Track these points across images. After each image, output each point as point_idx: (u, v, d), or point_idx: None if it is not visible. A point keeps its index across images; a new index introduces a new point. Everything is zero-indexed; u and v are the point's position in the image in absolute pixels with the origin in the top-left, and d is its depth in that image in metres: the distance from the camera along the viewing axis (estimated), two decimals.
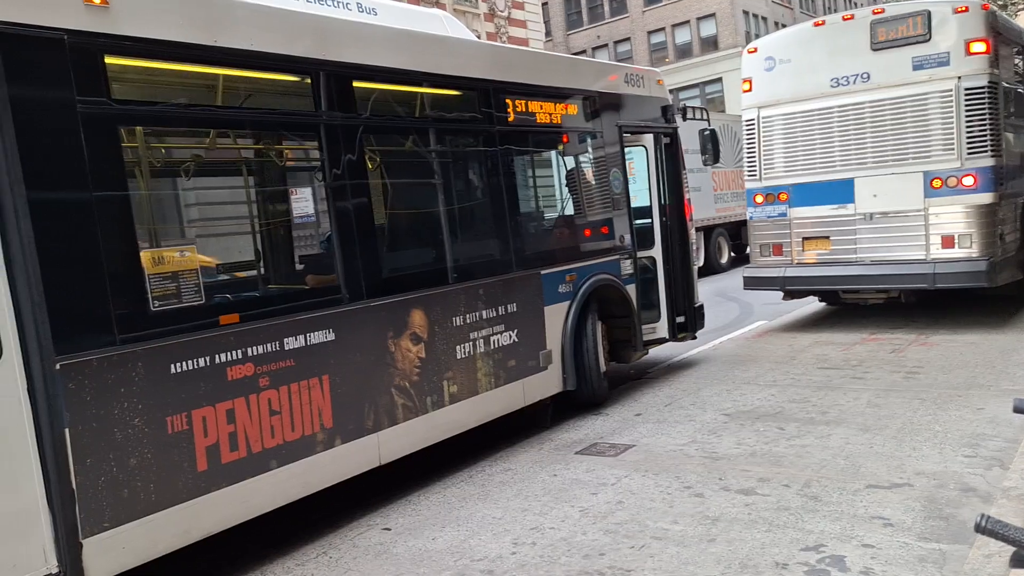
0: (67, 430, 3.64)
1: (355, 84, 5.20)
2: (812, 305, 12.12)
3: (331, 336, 4.88)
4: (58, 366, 3.62)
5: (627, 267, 7.67)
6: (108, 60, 3.93)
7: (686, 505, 4.83)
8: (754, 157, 10.18)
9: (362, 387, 5.07)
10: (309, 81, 4.96)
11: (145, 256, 4.01)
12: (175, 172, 5.09)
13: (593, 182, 7.54)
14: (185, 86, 4.62)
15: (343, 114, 5.09)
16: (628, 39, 42.07)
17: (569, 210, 7.58)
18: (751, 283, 10.37)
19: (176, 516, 4.07)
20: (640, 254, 7.94)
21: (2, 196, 3.51)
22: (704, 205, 18.16)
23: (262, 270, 5.42)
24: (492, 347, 6.10)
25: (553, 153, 7.61)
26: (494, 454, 6.25)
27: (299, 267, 5.76)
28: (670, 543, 4.33)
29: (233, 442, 4.34)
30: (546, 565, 4.21)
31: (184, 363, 4.12)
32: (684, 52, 40.33)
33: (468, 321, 5.90)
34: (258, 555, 4.71)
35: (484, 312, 6.03)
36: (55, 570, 3.62)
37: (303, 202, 5.45)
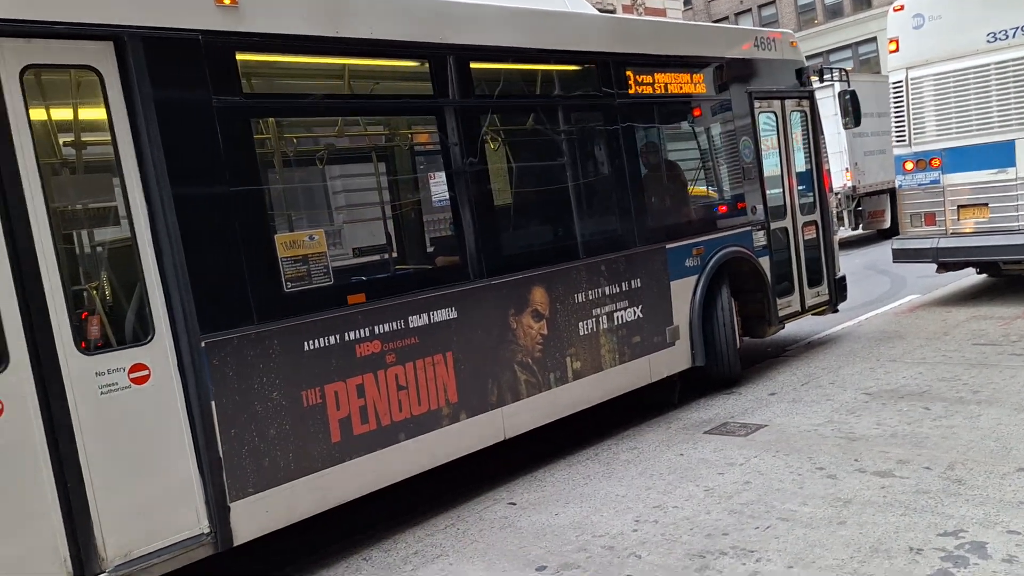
0: (213, 403, 3.96)
1: (473, 66, 5.28)
2: (970, 277, 11.23)
3: (454, 314, 5.02)
4: (203, 344, 3.93)
5: (759, 239, 7.39)
6: (239, 57, 4.19)
7: (816, 487, 4.64)
8: (903, 121, 9.50)
9: (485, 363, 5.19)
10: (428, 65, 5.08)
11: (278, 241, 4.27)
12: (304, 161, 5.37)
13: (722, 152, 7.31)
14: (310, 77, 4.86)
15: (462, 96, 5.19)
16: (773, 2, 40.12)
17: (696, 182, 7.38)
18: (901, 255, 9.72)
19: (313, 484, 4.34)
20: (774, 225, 7.63)
21: (151, 192, 3.83)
22: (888, 168, 17.01)
23: (386, 252, 5.64)
24: (616, 323, 6.06)
25: (679, 124, 7.42)
26: (620, 432, 6.23)
27: (421, 248, 5.94)
28: (797, 524, 4.18)
29: (364, 415, 4.57)
30: (667, 543, 4.18)
31: (316, 341, 4.37)
32: (835, 12, 37.99)
33: (590, 297, 5.89)
34: (389, 525, 4.95)
35: (607, 288, 6.00)
36: (207, 530, 3.96)
37: (426, 185, 5.61)
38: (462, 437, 5.07)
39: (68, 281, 3.62)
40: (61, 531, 3.52)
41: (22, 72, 3.51)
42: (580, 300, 5.82)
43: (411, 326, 4.81)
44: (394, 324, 4.74)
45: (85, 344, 3.66)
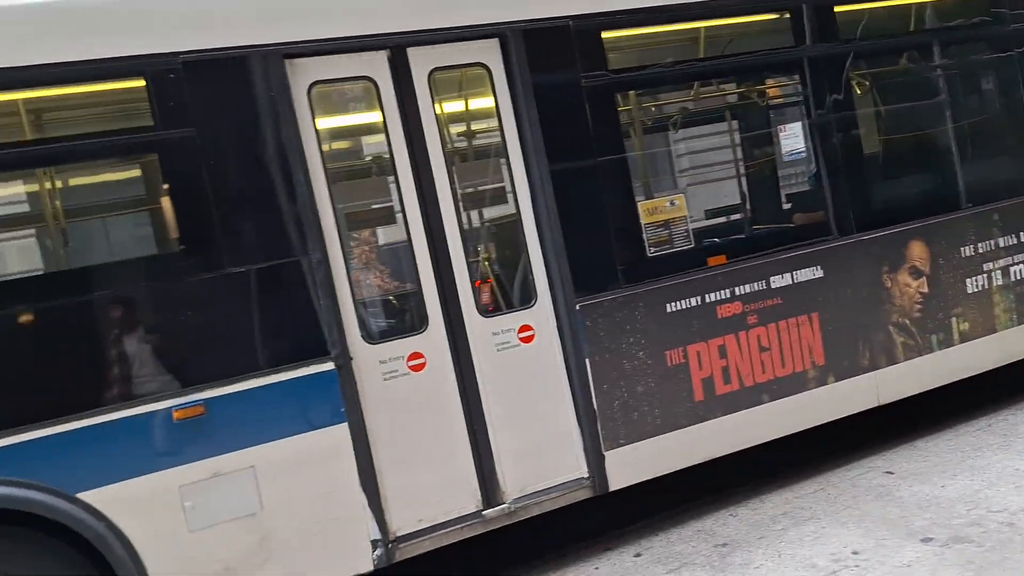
0: (587, 360, 4.33)
1: (837, 9, 4.98)
2: None
3: (819, 273, 4.84)
4: (578, 307, 4.31)
5: None
6: (604, 35, 4.44)
7: None
8: None
9: (855, 325, 4.94)
10: (789, 15, 4.91)
11: (641, 208, 4.50)
12: (660, 127, 5.51)
13: None
14: (665, 45, 4.97)
15: (825, 43, 4.93)
16: None
17: None
18: None
19: (677, 439, 4.54)
20: None
21: (531, 171, 4.27)
22: None
23: (746, 211, 5.59)
24: (1012, 279, 5.36)
25: None
26: (1020, 402, 5.53)
27: (785, 206, 5.78)
28: None
29: (726, 376, 4.65)
30: None
31: (678, 302, 4.54)
32: None
33: (980, 251, 5.27)
34: (755, 485, 4.96)
35: (1000, 240, 5.32)
36: (586, 475, 4.37)
37: (787, 140, 5.43)
38: (830, 401, 4.90)
39: (469, 254, 4.21)
40: (471, 466, 4.16)
41: (429, 75, 4.12)
42: (967, 254, 5.24)
43: (773, 287, 4.75)
44: (755, 285, 4.72)
45: (481, 309, 4.24)
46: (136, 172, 3.99)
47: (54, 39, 3.48)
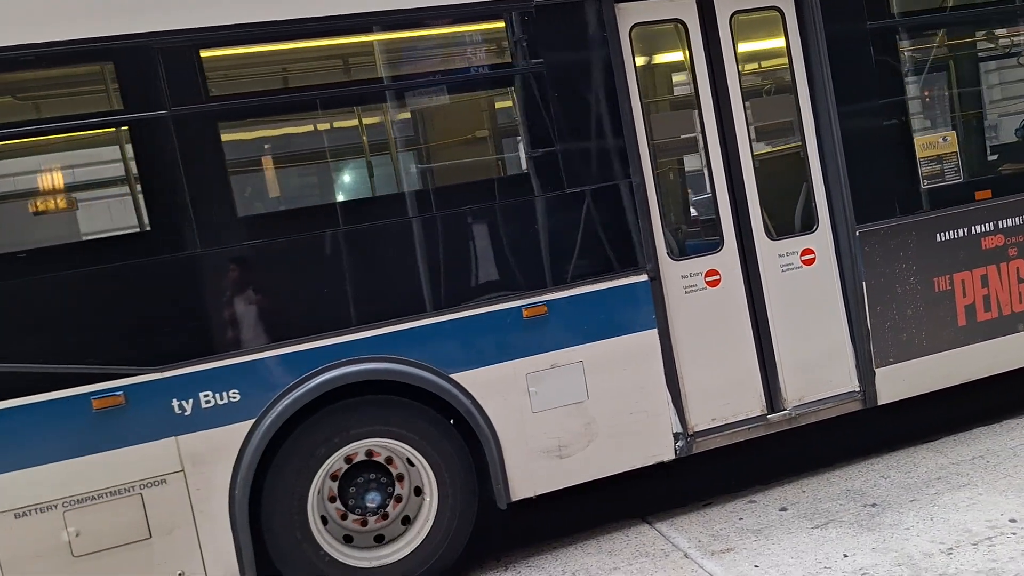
0: (863, 283, 4.70)
1: None
2: None
3: None
4: (857, 233, 4.67)
5: None
6: None
7: None
8: None
9: None
10: None
11: (917, 143, 4.80)
12: (940, 67, 5.68)
13: None
14: None
15: None
16: None
17: None
18: None
19: (939, 361, 4.86)
20: None
21: (817, 107, 4.64)
22: None
23: (1012, 150, 5.72)
24: None
25: None
26: None
27: None
28: None
29: (986, 304, 4.93)
30: None
31: (947, 233, 4.84)
32: None
33: None
34: (906, 448, 4.97)
35: None
36: (857, 388, 4.77)
37: None
38: None
39: (761, 182, 4.63)
40: (758, 374, 4.62)
41: (730, 18, 4.53)
42: None
43: None
44: (1017, 219, 4.95)
45: (769, 232, 4.67)
46: (495, 103, 4.58)
47: None
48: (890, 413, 4.94)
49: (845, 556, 3.75)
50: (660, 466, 4.42)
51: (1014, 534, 3.69)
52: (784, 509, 4.38)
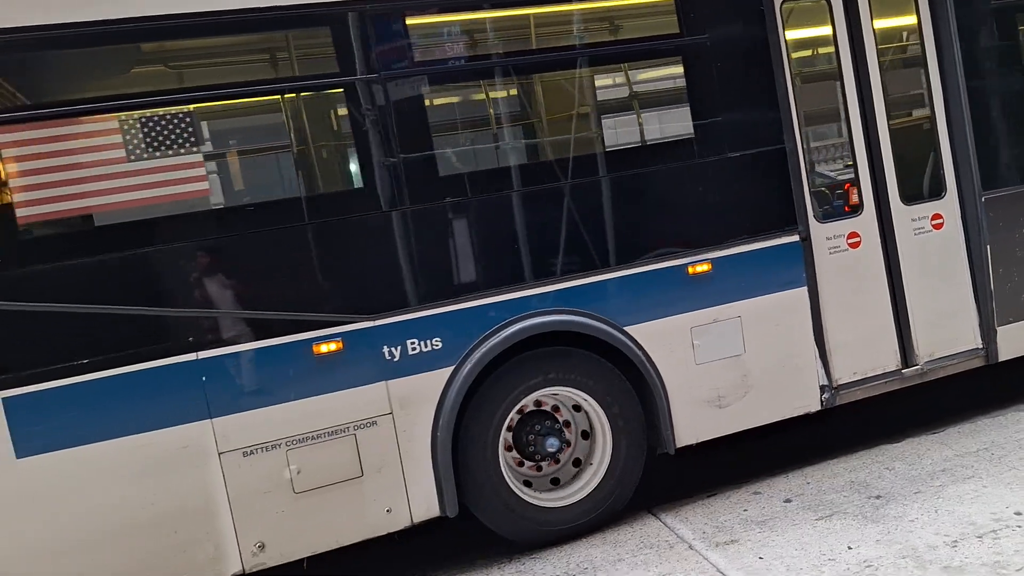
0: (987, 246, 5.01)
1: None
2: None
3: None
4: (983, 199, 4.99)
5: None
6: None
7: None
8: None
9: None
10: None
11: None
12: None
13: None
14: None
15: None
16: None
17: None
18: None
19: None
20: None
21: (946, 79, 4.95)
22: None
23: None
24: None
25: None
26: None
27: None
28: None
29: None
30: None
31: None
32: None
33: None
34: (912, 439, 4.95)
35: None
36: (980, 345, 5.08)
37: None
38: None
39: (892, 149, 4.92)
40: (893, 330, 4.91)
41: None
42: None
43: None
44: None
45: (904, 198, 4.96)
46: (663, 71, 4.85)
47: None
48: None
49: (849, 548, 3.72)
50: (664, 456, 4.50)
51: (1019, 527, 3.66)
52: (788, 500, 4.37)
